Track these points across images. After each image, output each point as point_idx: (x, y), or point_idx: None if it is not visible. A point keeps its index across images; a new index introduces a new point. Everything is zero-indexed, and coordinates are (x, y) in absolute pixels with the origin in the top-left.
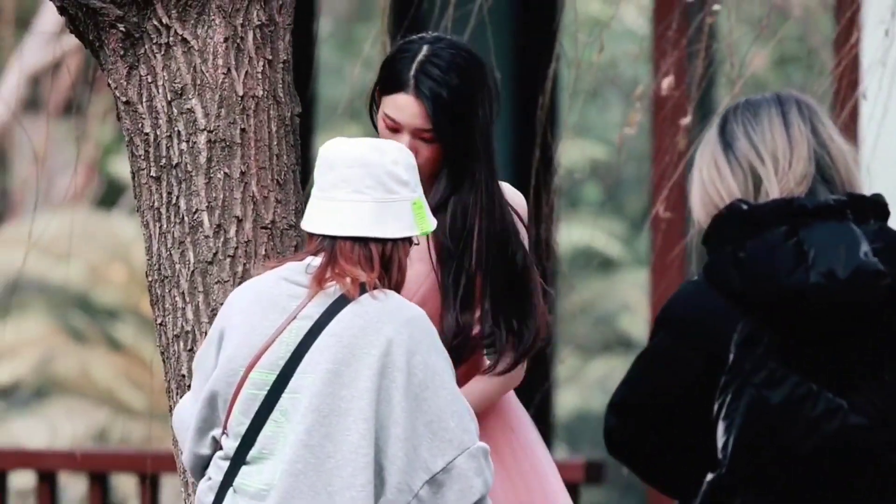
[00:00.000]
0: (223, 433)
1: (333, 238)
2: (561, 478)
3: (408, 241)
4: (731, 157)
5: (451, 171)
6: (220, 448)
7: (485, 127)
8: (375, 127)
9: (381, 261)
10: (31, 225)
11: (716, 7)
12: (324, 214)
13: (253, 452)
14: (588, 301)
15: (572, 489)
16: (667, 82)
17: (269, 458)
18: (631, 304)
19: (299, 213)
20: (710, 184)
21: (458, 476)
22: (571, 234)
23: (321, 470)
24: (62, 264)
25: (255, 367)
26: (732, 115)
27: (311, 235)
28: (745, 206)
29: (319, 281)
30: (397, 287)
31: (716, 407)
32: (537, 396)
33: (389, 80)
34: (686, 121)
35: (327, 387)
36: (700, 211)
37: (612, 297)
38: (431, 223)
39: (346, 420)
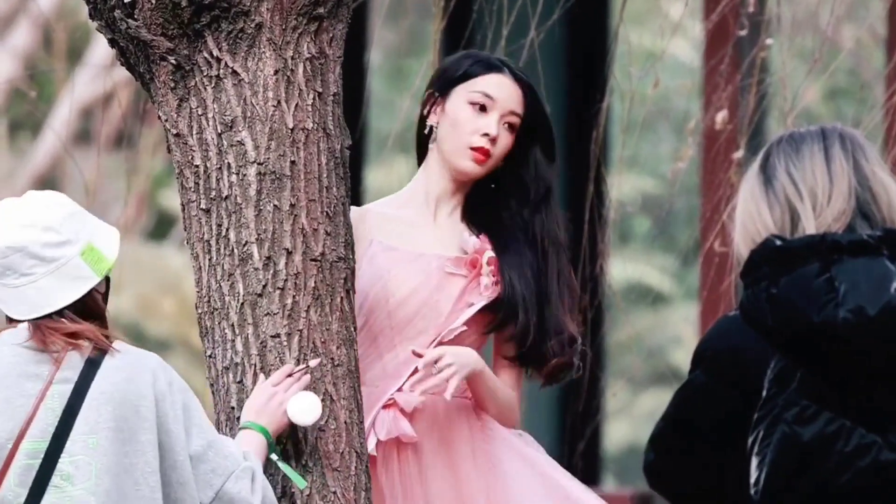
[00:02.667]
0: None
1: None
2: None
3: (95, 287)
4: (770, 193)
5: (531, 175)
6: None
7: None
8: (422, 133)
9: (85, 315)
10: None
11: (768, 41)
12: (9, 299)
13: None
14: (639, 334)
15: None
16: (720, 116)
17: None
18: (681, 337)
19: (349, 245)
20: (749, 218)
21: (230, 500)
22: (621, 267)
23: None
24: (113, 295)
25: (24, 437)
26: (775, 149)
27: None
28: (778, 242)
29: (53, 344)
30: (104, 322)
31: (749, 442)
32: (588, 429)
33: (478, 64)
34: (738, 154)
35: (113, 445)
36: (740, 245)
37: (663, 331)
38: (110, 259)
39: (136, 475)
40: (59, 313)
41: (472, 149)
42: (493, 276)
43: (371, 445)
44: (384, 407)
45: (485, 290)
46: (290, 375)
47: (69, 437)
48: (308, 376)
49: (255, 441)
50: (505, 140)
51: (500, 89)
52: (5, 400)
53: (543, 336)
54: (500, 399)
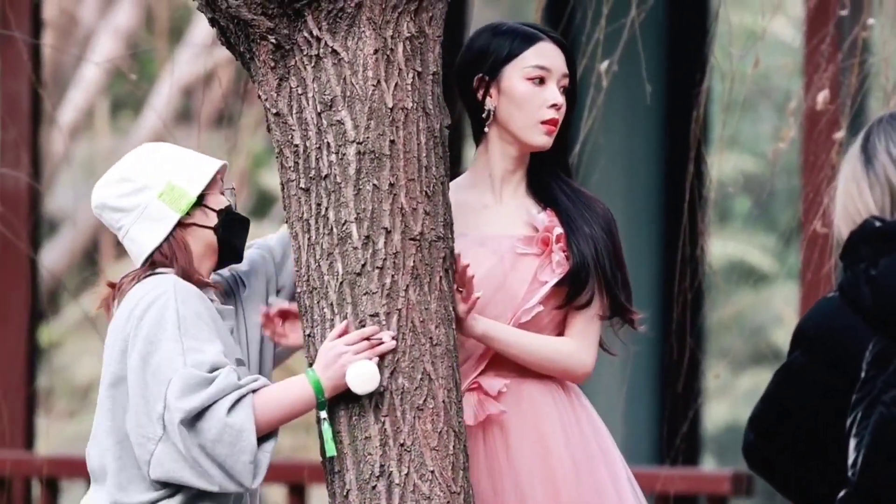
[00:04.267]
0: None
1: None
2: (695, 488)
3: (191, 220)
4: (870, 173)
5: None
6: None
7: None
8: (479, 114)
9: (161, 263)
10: None
11: (870, 21)
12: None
13: None
14: (739, 314)
15: (720, 501)
16: (822, 97)
17: None
18: (782, 317)
19: (448, 224)
20: (849, 199)
21: (167, 407)
22: (722, 246)
23: (93, 443)
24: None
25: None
26: (876, 129)
27: None
28: (878, 223)
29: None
30: (188, 260)
31: (847, 423)
32: (690, 411)
33: (519, 38)
34: (840, 135)
35: (103, 377)
36: (840, 226)
37: (764, 310)
38: (192, 193)
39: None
40: (148, 261)
41: (543, 122)
42: (563, 251)
43: None
44: (468, 390)
45: (557, 267)
46: (367, 339)
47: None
48: (384, 346)
49: (297, 385)
50: (564, 105)
51: (551, 58)
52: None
53: (618, 287)
54: (531, 350)
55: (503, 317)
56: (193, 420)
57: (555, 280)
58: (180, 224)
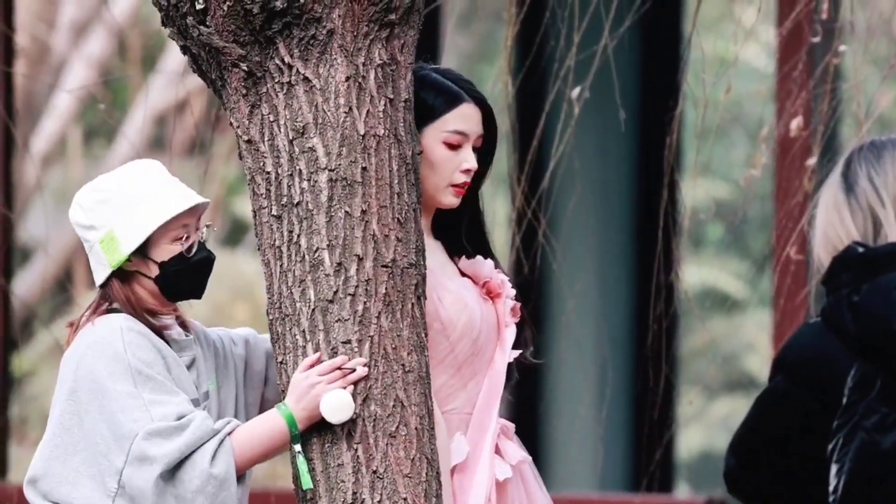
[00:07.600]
0: None
1: None
2: None
3: (133, 267)
4: (851, 200)
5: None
6: None
7: None
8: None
9: (105, 306)
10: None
11: (842, 48)
12: None
13: None
14: (712, 341)
15: None
16: (795, 123)
17: None
18: (755, 343)
19: (420, 251)
20: (830, 226)
21: (136, 460)
22: (695, 273)
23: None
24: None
25: None
26: (857, 156)
27: None
28: (860, 249)
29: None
30: (134, 302)
31: (829, 449)
32: (665, 437)
33: (441, 96)
34: (812, 162)
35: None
36: (821, 252)
37: (737, 337)
38: (123, 252)
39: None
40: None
41: (453, 185)
42: (514, 296)
43: (507, 472)
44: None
45: (512, 314)
46: (339, 368)
47: None
48: (356, 374)
49: (270, 422)
50: (475, 167)
51: (470, 122)
52: None
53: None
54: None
55: (490, 359)
56: (172, 470)
57: (514, 322)
58: (123, 269)
